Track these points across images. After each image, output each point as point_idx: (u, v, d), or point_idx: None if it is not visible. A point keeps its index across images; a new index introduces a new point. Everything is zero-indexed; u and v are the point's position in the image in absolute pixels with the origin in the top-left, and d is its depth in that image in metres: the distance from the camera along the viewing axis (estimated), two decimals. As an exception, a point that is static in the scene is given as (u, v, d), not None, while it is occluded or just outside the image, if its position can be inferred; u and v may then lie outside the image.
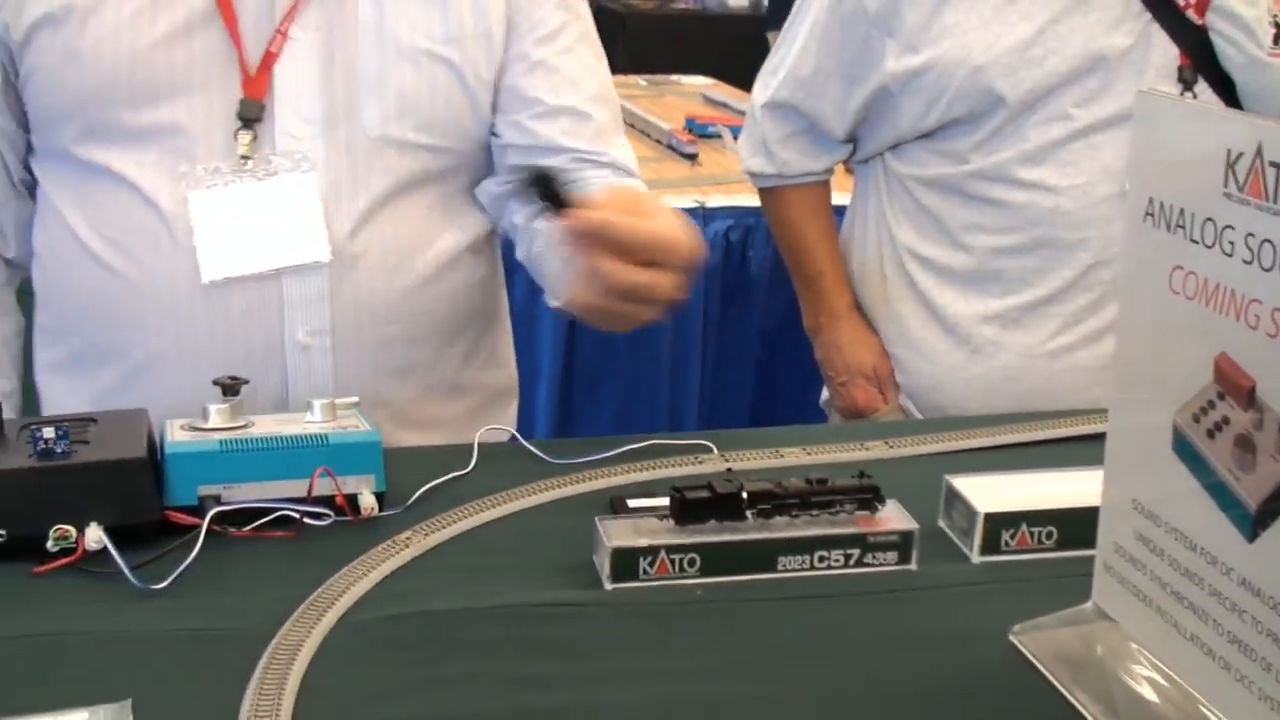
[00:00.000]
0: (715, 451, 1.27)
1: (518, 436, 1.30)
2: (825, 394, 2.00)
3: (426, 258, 1.45)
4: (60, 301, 1.44)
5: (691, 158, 3.35)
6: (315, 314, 1.38)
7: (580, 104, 1.50)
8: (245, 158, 1.36)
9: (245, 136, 1.36)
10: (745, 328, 3.06)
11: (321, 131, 1.38)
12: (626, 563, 1.02)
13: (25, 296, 1.52)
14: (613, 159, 1.51)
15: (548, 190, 1.14)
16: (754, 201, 2.91)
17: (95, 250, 1.38)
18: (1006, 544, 1.09)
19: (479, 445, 1.26)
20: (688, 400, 3.08)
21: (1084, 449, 1.31)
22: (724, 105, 4.10)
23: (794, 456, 1.28)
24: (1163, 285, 0.85)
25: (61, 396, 1.45)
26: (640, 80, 4.72)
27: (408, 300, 1.43)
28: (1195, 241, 0.81)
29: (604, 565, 1.02)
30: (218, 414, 1.13)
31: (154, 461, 1.09)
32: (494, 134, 1.50)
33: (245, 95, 1.36)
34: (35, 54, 1.34)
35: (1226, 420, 0.80)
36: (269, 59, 1.37)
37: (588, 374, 3.00)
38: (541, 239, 1.46)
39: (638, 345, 3.03)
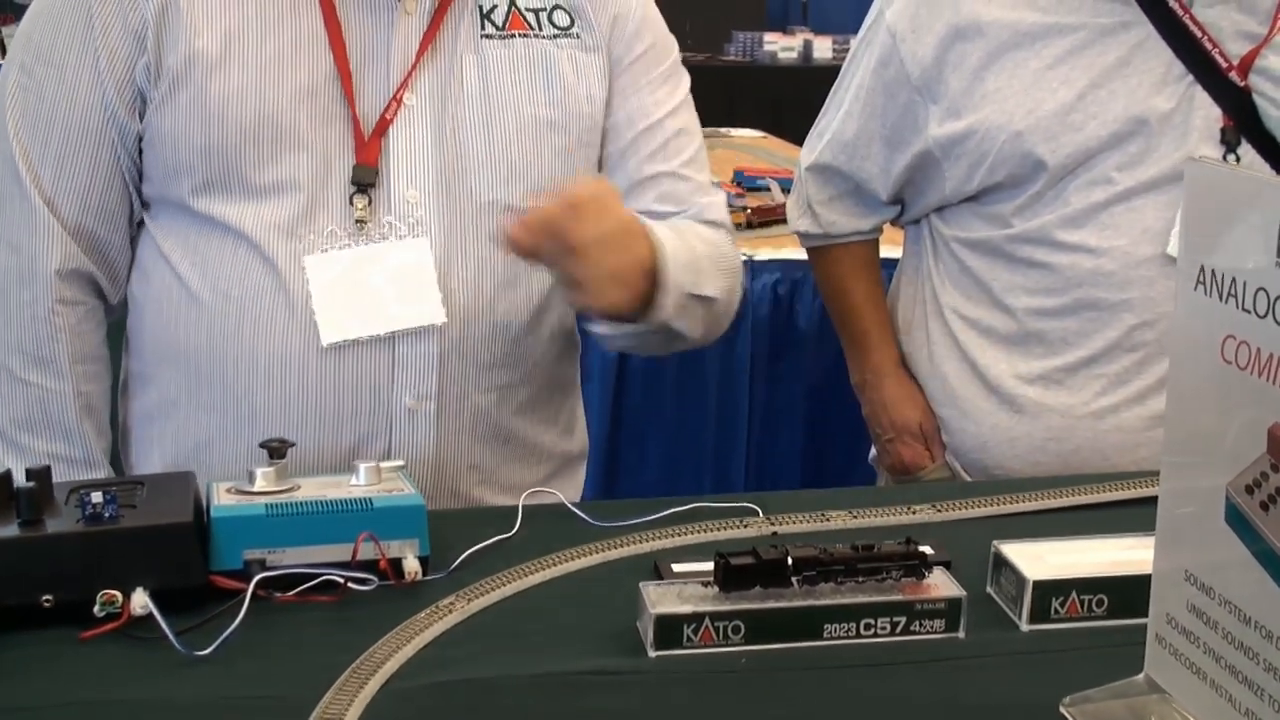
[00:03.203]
0: (761, 514, 1.26)
1: (563, 499, 1.29)
2: (874, 451, 1.99)
3: (526, 326, 1.47)
4: (162, 348, 1.44)
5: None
6: (423, 379, 1.41)
7: (678, 169, 1.54)
8: (361, 222, 1.39)
9: (361, 200, 1.39)
10: (793, 382, 3.05)
11: (434, 197, 1.41)
12: (670, 630, 1.01)
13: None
14: (692, 215, 1.53)
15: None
16: (801, 255, 2.92)
17: (206, 301, 1.40)
18: (1056, 612, 1.07)
19: (523, 507, 1.26)
20: (735, 455, 3.07)
21: (1134, 513, 1.30)
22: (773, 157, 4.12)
23: (840, 520, 1.27)
24: (1214, 354, 0.83)
25: (154, 443, 1.46)
26: (689, 133, 4.74)
27: (507, 367, 1.46)
28: (1247, 311, 0.80)
29: (648, 632, 1.02)
30: (264, 477, 1.13)
31: (200, 525, 1.09)
32: None
33: (359, 160, 1.39)
34: (162, 105, 1.37)
35: (1281, 492, 0.79)
36: (383, 125, 1.40)
37: (634, 429, 3.00)
38: None
39: (684, 400, 3.02)
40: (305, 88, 1.37)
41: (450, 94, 1.42)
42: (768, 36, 7.88)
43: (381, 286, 1.38)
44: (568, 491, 1.58)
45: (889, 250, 2.02)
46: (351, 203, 1.39)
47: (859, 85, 1.82)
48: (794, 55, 7.79)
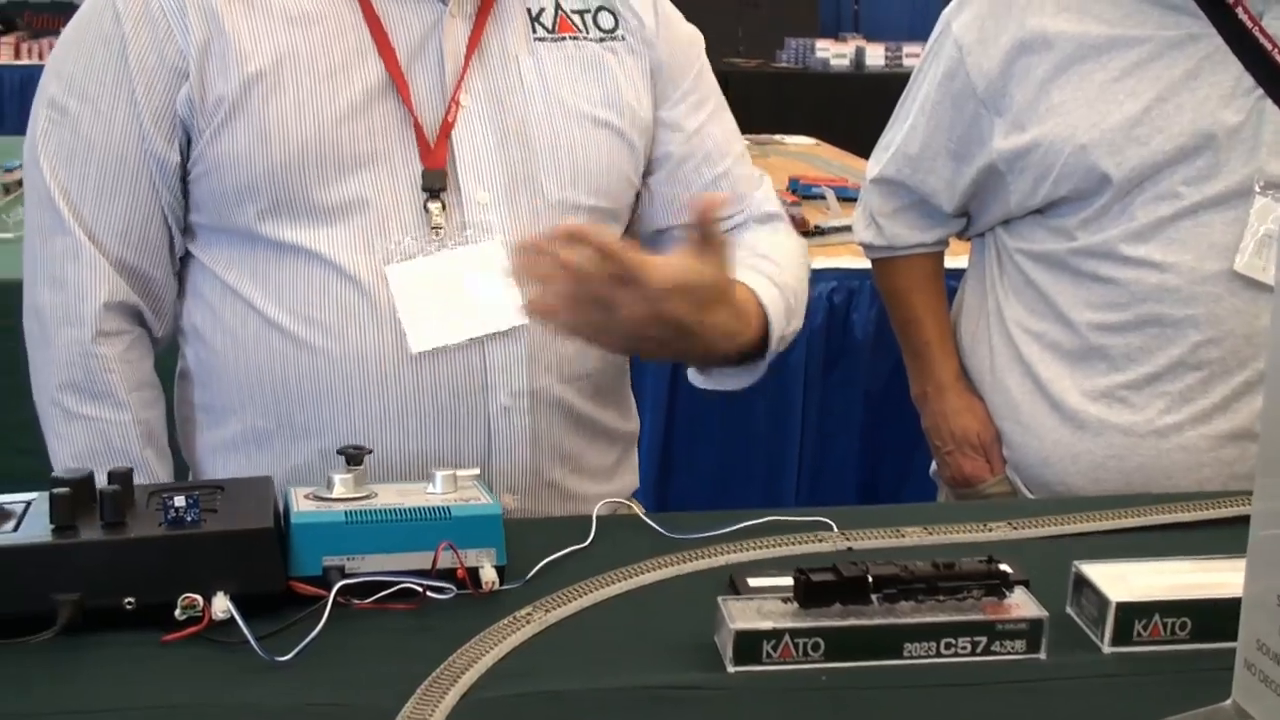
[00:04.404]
0: (835, 529, 1.25)
1: (637, 510, 1.29)
2: (934, 465, 1.98)
3: None
4: (239, 381, 1.42)
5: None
6: (515, 376, 1.41)
7: (728, 169, 1.57)
8: (436, 228, 1.38)
9: (435, 207, 1.38)
10: (849, 390, 3.05)
11: (505, 198, 1.41)
12: (750, 645, 1.01)
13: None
14: (749, 212, 1.58)
15: None
16: (858, 263, 2.92)
17: (287, 327, 1.38)
18: (1139, 634, 1.06)
19: (597, 518, 1.25)
20: (788, 464, 3.06)
21: (1212, 534, 1.29)
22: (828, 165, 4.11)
23: (915, 536, 1.26)
24: (1313, 376, 0.82)
25: (241, 475, 1.42)
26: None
27: (582, 355, 1.47)
28: (1349, 334, 0.79)
29: (727, 647, 1.01)
30: (342, 484, 1.13)
31: (279, 531, 1.09)
32: (640, 195, 1.55)
33: (426, 166, 1.38)
34: (218, 134, 1.35)
35: (1382, 520, 0.77)
36: (446, 128, 1.39)
37: (687, 437, 3.00)
38: None
39: (738, 408, 3.02)
40: (361, 99, 1.37)
41: (508, 94, 1.42)
42: (820, 43, 7.85)
43: (464, 292, 1.38)
44: (631, 474, 1.62)
45: (955, 261, 2.01)
46: (425, 209, 1.38)
47: (924, 98, 1.81)
48: (846, 62, 7.75)
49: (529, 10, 1.46)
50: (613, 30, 1.50)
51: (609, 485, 1.54)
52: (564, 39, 1.47)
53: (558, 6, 1.48)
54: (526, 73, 1.43)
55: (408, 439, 1.38)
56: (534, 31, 1.45)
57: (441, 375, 1.38)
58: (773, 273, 1.48)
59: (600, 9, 1.50)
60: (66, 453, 1.43)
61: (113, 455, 1.42)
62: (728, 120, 1.60)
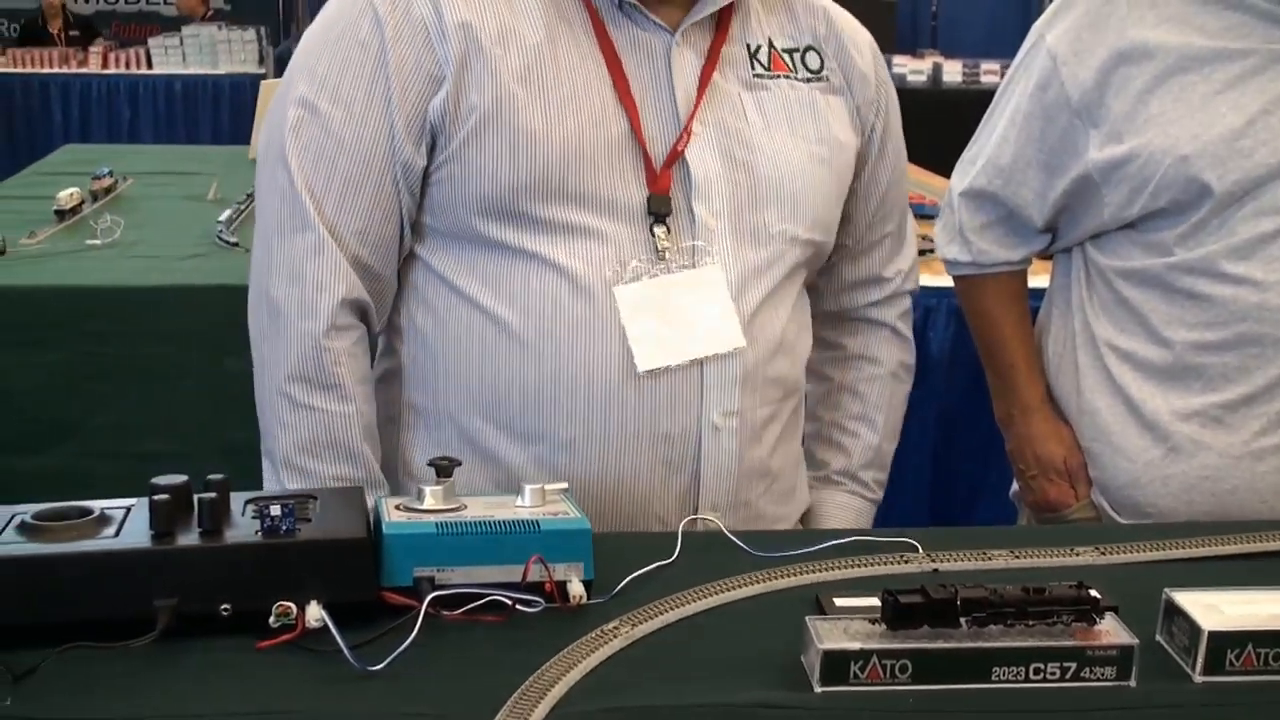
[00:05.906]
0: (920, 550, 1.25)
1: (722, 528, 1.30)
2: (1015, 487, 1.97)
3: (791, 342, 1.53)
4: (460, 385, 1.46)
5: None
6: (728, 396, 1.44)
7: (893, 229, 1.73)
8: (662, 251, 1.42)
9: (661, 231, 1.42)
10: (924, 409, 3.02)
11: (729, 225, 1.45)
12: (837, 666, 1.01)
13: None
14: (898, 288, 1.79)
15: None
16: (934, 281, 2.90)
17: (519, 334, 1.42)
18: (1231, 664, 1.05)
19: (682, 535, 1.26)
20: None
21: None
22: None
23: (1002, 559, 1.26)
24: None
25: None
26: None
27: (779, 380, 1.51)
28: None
29: (814, 667, 1.01)
30: (432, 495, 1.14)
31: (372, 540, 1.11)
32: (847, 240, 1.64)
33: (652, 190, 1.42)
34: (467, 143, 1.39)
35: None
36: (674, 155, 1.43)
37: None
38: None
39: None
40: (594, 122, 1.40)
41: (734, 126, 1.47)
42: (897, 60, 7.81)
43: (686, 314, 1.42)
44: (804, 490, 1.67)
45: (1034, 281, 1.99)
46: (652, 233, 1.42)
47: (1015, 109, 1.80)
48: (923, 79, 7.71)
49: (748, 46, 1.51)
50: (818, 71, 1.55)
51: (789, 506, 1.59)
52: (779, 77, 1.52)
53: (771, 44, 1.53)
54: (749, 108, 1.48)
55: (624, 453, 1.42)
56: (753, 68, 1.50)
57: (661, 393, 1.42)
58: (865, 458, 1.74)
59: (809, 49, 1.55)
60: (289, 441, 1.44)
61: (334, 446, 1.44)
62: (903, 180, 1.69)
